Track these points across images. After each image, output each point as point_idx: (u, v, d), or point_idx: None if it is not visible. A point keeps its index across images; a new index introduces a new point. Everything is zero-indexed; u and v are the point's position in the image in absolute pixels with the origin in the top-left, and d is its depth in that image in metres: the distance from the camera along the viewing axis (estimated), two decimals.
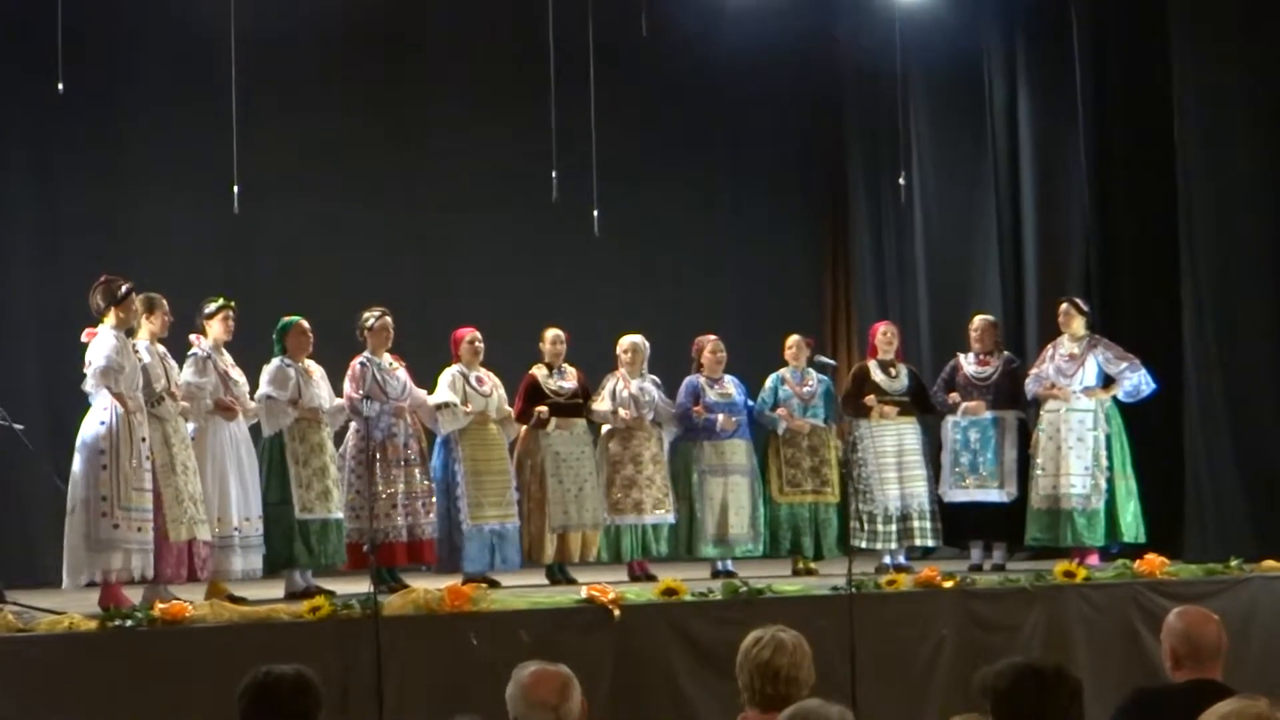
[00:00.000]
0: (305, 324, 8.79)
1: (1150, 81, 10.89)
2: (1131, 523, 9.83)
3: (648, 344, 9.84)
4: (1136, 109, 11.12)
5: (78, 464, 7.48)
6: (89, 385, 7.55)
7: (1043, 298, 11.47)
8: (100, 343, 7.56)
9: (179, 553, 7.73)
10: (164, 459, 7.73)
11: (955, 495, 10.08)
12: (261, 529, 8.33)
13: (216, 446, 8.21)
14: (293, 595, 8.24)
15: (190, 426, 8.16)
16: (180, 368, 8.21)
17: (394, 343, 9.13)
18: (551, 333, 9.60)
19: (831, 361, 10.75)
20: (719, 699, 6.88)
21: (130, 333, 7.85)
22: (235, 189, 9.50)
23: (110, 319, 7.64)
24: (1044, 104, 11.81)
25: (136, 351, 7.77)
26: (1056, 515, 9.81)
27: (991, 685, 3.56)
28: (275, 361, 8.66)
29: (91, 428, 7.48)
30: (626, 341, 9.78)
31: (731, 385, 9.90)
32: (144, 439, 7.57)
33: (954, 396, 10.12)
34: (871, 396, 10.04)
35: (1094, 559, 9.68)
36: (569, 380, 9.54)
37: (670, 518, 9.61)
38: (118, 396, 7.47)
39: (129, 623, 6.62)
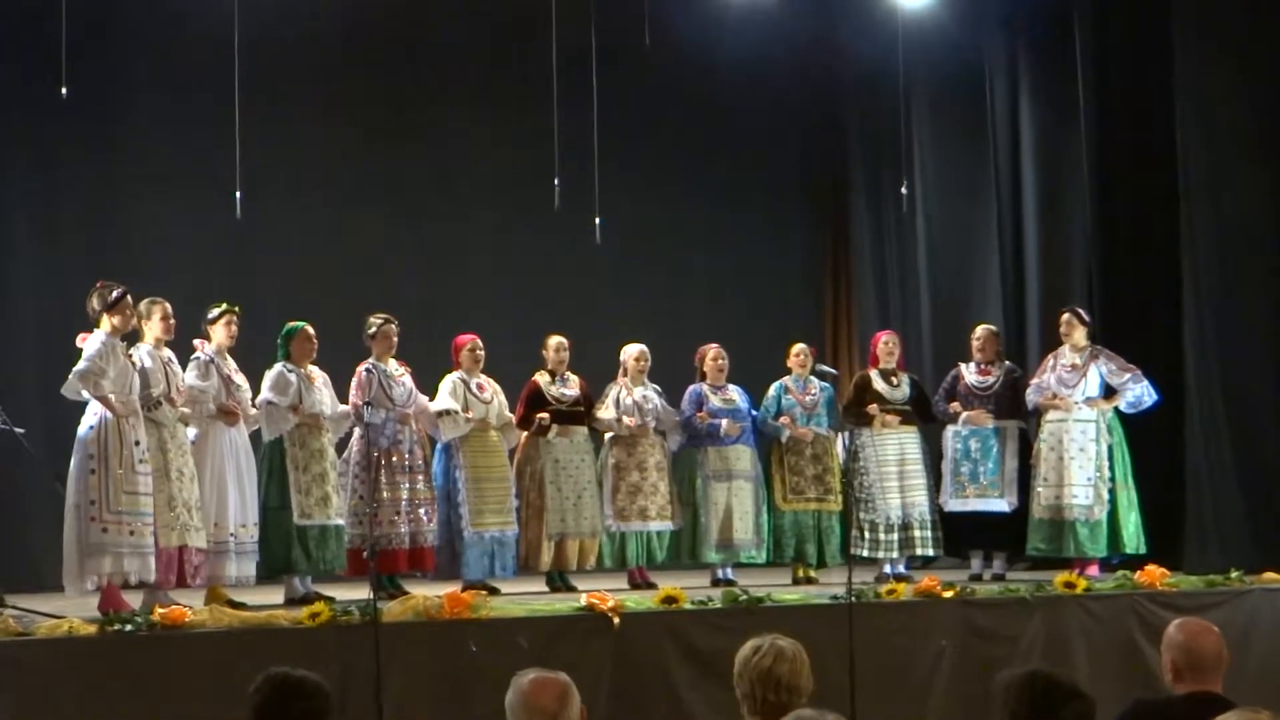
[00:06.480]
0: (310, 330, 8.80)
1: (1152, 90, 10.89)
2: (1133, 534, 9.83)
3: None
4: (1139, 118, 11.11)
5: (72, 468, 7.52)
6: (66, 388, 7.55)
7: (1044, 307, 11.47)
8: (87, 346, 7.58)
9: (169, 559, 7.74)
10: (158, 464, 7.74)
11: (955, 505, 10.08)
12: (257, 536, 8.34)
13: (216, 452, 8.22)
14: (292, 601, 8.24)
15: (192, 431, 8.17)
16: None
17: (396, 349, 9.13)
18: (555, 340, 9.60)
19: (832, 370, 10.73)
20: (718, 707, 6.87)
21: (133, 336, 7.86)
22: (238, 194, 9.52)
23: (104, 324, 7.66)
24: (1046, 113, 11.82)
25: (130, 355, 7.78)
26: (1059, 526, 9.81)
27: (1012, 693, 3.59)
28: (277, 367, 8.66)
29: (83, 432, 7.52)
30: (636, 349, 9.77)
31: (735, 392, 9.92)
32: (138, 442, 7.58)
33: (955, 406, 10.12)
34: (874, 405, 10.05)
35: (1094, 569, 9.68)
36: (571, 388, 9.54)
37: (671, 525, 9.62)
38: (102, 400, 7.48)
39: (128, 628, 6.62)
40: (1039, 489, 9.87)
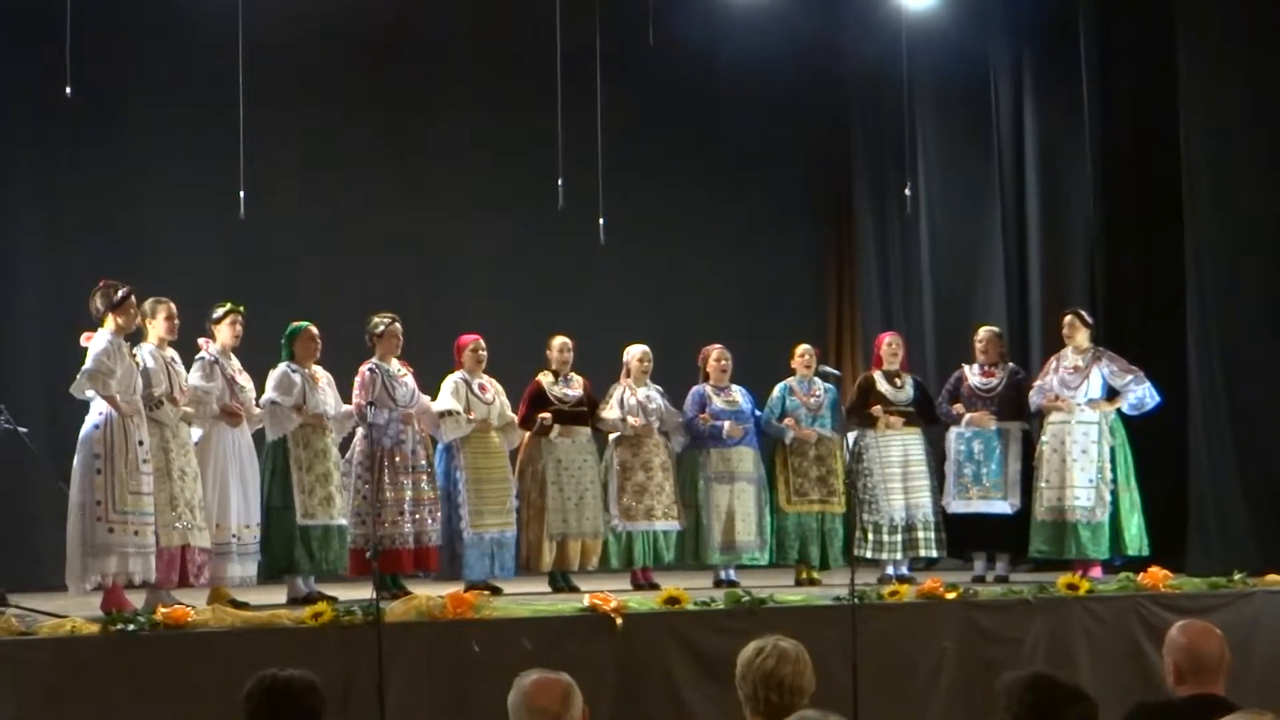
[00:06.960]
0: (314, 330, 8.80)
1: (1157, 92, 10.88)
2: (1135, 535, 9.83)
3: None
4: (1143, 119, 11.11)
5: (76, 467, 7.53)
6: (74, 388, 7.56)
7: (1047, 309, 11.46)
8: (93, 346, 7.59)
9: (170, 558, 7.75)
10: (159, 464, 7.74)
11: (958, 506, 10.08)
12: (259, 536, 8.34)
13: (219, 452, 8.23)
14: (295, 601, 8.24)
15: (196, 431, 8.17)
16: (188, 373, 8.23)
17: (400, 349, 9.13)
18: (559, 340, 9.61)
19: (835, 371, 10.73)
20: (721, 708, 6.87)
21: (136, 336, 7.87)
22: (241, 194, 9.52)
23: (109, 323, 7.66)
24: (1050, 114, 11.82)
25: (134, 355, 7.78)
26: (1061, 528, 9.81)
27: (1015, 695, 3.60)
28: (281, 367, 8.67)
29: (87, 431, 7.53)
30: (639, 350, 9.77)
31: (738, 394, 9.92)
32: (141, 442, 7.59)
33: (958, 407, 10.12)
34: (878, 406, 10.05)
35: (1097, 571, 9.67)
36: (574, 388, 9.55)
37: (678, 525, 9.62)
38: (109, 400, 7.49)
39: (131, 627, 6.62)
40: (1041, 491, 9.87)
